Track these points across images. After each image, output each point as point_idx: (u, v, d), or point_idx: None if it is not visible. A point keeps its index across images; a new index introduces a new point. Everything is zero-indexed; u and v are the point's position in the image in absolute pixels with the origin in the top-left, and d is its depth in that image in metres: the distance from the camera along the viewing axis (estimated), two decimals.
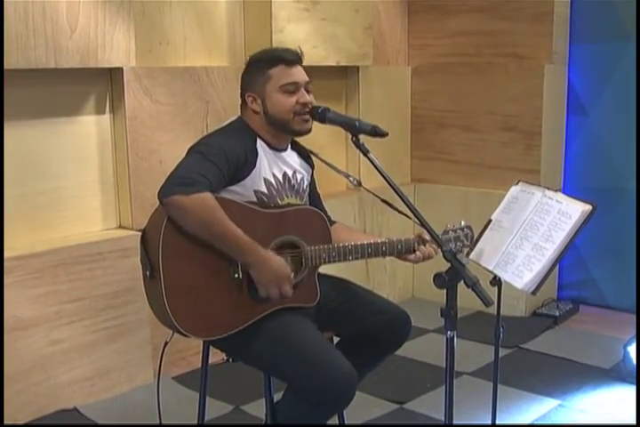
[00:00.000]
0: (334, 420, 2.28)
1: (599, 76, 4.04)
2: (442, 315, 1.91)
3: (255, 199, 2.15)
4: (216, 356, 2.32)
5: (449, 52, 4.28)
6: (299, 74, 2.20)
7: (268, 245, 2.08)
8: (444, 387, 1.98)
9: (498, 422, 2.43)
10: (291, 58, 2.19)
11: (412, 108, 4.46)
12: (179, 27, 3.38)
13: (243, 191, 2.13)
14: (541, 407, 3.01)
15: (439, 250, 1.95)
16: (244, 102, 2.24)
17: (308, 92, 2.21)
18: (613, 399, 3.08)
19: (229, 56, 3.59)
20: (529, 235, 2.16)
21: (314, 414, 2.07)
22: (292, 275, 2.09)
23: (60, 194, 3.08)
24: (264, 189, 2.18)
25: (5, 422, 2.74)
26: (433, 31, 4.34)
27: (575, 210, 2.09)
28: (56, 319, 2.93)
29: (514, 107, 4.03)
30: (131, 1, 3.07)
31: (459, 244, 2.31)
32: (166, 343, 2.14)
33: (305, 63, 2.26)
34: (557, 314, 4.00)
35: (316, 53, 3.71)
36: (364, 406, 2.95)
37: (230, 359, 2.21)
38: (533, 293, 2.10)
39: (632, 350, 3.22)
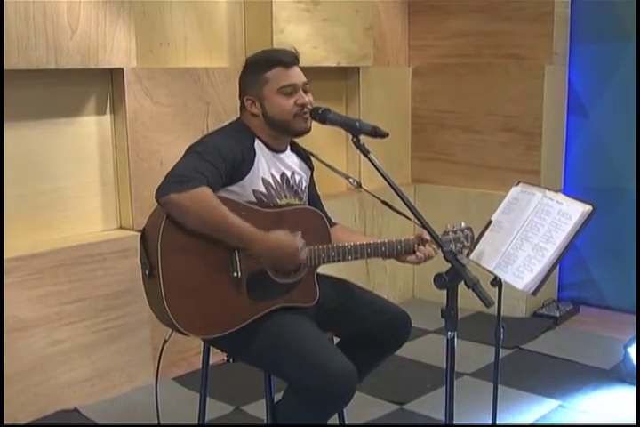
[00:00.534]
0: (334, 420, 2.28)
1: (599, 77, 4.04)
2: (442, 315, 1.91)
3: (254, 199, 2.16)
4: (216, 356, 2.32)
5: (449, 53, 4.28)
6: (296, 75, 2.20)
7: None
8: (444, 387, 1.98)
9: (498, 422, 2.44)
10: (287, 60, 2.19)
11: (413, 108, 4.46)
12: (179, 27, 3.39)
13: (241, 191, 2.14)
14: (542, 408, 3.01)
15: (439, 250, 1.95)
16: (242, 105, 2.25)
17: (305, 92, 2.21)
18: (613, 400, 3.08)
19: (230, 57, 3.59)
20: (529, 235, 2.16)
21: (314, 414, 2.07)
22: (300, 235, 2.08)
23: (60, 194, 3.09)
24: (263, 190, 2.18)
25: (5, 423, 2.74)
26: (433, 32, 4.34)
27: (575, 211, 2.09)
28: (56, 320, 2.94)
29: (514, 107, 4.03)
30: (131, 1, 3.07)
31: (458, 245, 2.31)
32: (165, 342, 2.14)
33: (305, 64, 2.26)
34: (558, 315, 4.00)
35: (317, 54, 3.71)
36: (364, 406, 2.96)
37: (231, 360, 2.21)
38: (534, 293, 2.10)
39: (632, 350, 3.22)
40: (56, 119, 3.04)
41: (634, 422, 2.84)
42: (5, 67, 2.70)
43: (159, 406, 2.29)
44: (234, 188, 2.12)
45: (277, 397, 2.18)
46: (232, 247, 2.04)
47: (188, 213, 1.96)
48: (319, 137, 3.60)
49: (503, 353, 3.45)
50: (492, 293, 1.96)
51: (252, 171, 2.15)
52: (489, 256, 2.24)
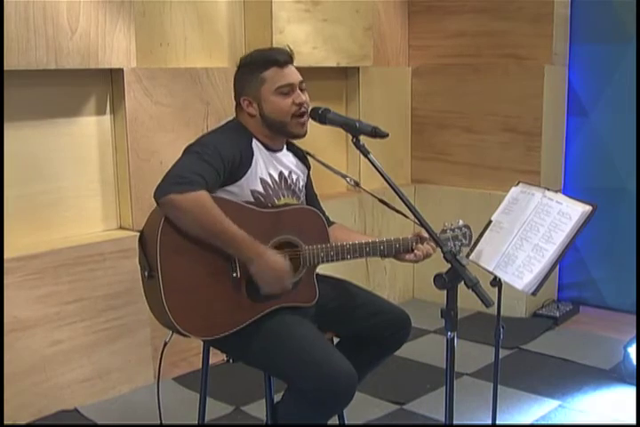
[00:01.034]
0: (334, 420, 2.28)
1: (599, 77, 4.04)
2: (442, 316, 1.91)
3: (252, 199, 2.16)
4: (216, 357, 2.32)
5: (449, 53, 4.28)
6: (292, 74, 2.20)
7: (266, 245, 2.08)
8: (444, 388, 1.98)
9: (498, 422, 2.44)
10: (283, 59, 2.19)
11: (413, 108, 4.46)
12: (179, 28, 3.39)
13: (239, 191, 2.14)
14: (542, 408, 3.01)
15: (438, 249, 1.95)
16: (238, 105, 2.25)
17: (302, 91, 2.21)
18: (613, 400, 3.08)
19: (230, 57, 3.59)
20: (529, 236, 2.16)
21: (314, 415, 2.07)
22: (291, 268, 2.08)
23: (60, 195, 3.09)
24: (260, 189, 2.18)
25: (5, 423, 2.74)
26: (433, 32, 4.34)
27: (575, 211, 2.10)
28: (56, 320, 2.94)
29: (514, 108, 4.03)
30: (131, 1, 3.07)
31: (457, 243, 2.31)
32: (165, 344, 2.15)
33: (305, 64, 2.26)
34: (557, 315, 4.00)
35: (317, 54, 3.71)
36: (364, 406, 2.96)
37: (231, 360, 2.21)
38: (533, 293, 2.10)
39: (632, 350, 3.22)
40: (56, 119, 3.04)
41: (634, 422, 2.84)
42: (5, 67, 2.70)
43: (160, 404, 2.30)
44: (232, 188, 2.12)
45: (277, 397, 2.18)
46: None
47: (185, 214, 1.96)
48: (319, 137, 3.61)
49: (503, 353, 3.46)
50: (492, 293, 1.96)
51: (250, 171, 2.15)
52: (489, 256, 2.24)
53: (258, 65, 2.19)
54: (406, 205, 1.98)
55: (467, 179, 4.26)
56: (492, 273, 2.21)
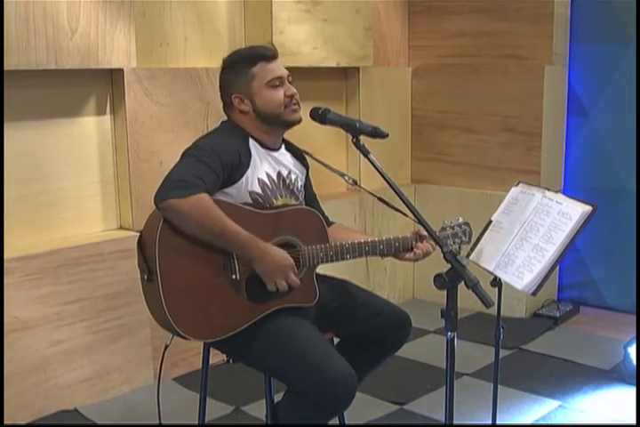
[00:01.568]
0: (334, 420, 2.28)
1: (599, 77, 4.04)
2: (442, 316, 1.91)
3: (250, 200, 2.16)
4: (217, 357, 2.32)
5: (449, 53, 4.28)
6: (280, 68, 2.22)
7: None
8: (444, 388, 1.98)
9: (498, 422, 2.44)
10: (269, 53, 2.21)
11: (413, 109, 4.46)
12: (179, 28, 3.39)
13: (237, 193, 2.13)
14: (542, 408, 3.01)
15: (438, 248, 1.95)
16: (229, 104, 2.24)
17: (290, 83, 2.23)
18: (613, 400, 3.08)
19: None
20: (529, 236, 2.16)
21: (314, 416, 2.06)
22: (295, 265, 2.09)
23: (60, 195, 3.09)
24: (258, 190, 2.18)
25: (5, 423, 2.74)
26: (433, 32, 4.35)
27: (575, 211, 2.10)
28: (56, 320, 2.94)
29: (514, 108, 4.03)
30: (131, 2, 3.07)
31: (457, 240, 2.31)
32: (166, 347, 2.15)
33: (305, 64, 2.27)
34: (557, 315, 4.00)
35: (317, 54, 3.71)
36: (364, 406, 2.96)
37: (231, 360, 2.21)
38: (533, 294, 2.10)
39: (632, 351, 3.22)
40: (56, 119, 3.04)
41: (634, 422, 2.84)
42: (5, 67, 2.70)
43: (159, 406, 2.30)
44: (229, 190, 2.12)
45: (277, 397, 2.18)
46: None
47: (187, 218, 1.96)
48: (319, 137, 3.61)
49: (503, 353, 3.45)
50: (492, 293, 1.96)
51: (248, 172, 2.15)
52: (489, 256, 2.24)
53: (245, 62, 2.20)
54: (406, 205, 1.98)
55: (467, 179, 4.26)
56: (492, 273, 2.21)
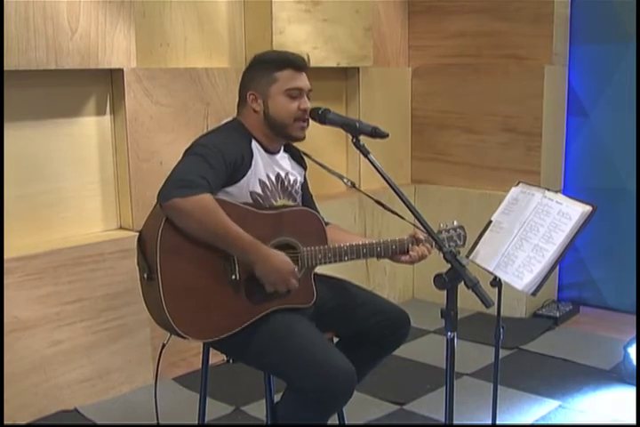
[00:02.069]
0: (334, 420, 2.29)
1: (599, 77, 4.04)
2: (442, 316, 1.91)
3: (250, 200, 2.16)
4: (216, 357, 2.32)
5: (449, 53, 4.28)
6: (304, 80, 2.21)
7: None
8: (444, 388, 1.98)
9: (498, 422, 2.44)
10: (300, 64, 2.20)
11: (413, 109, 4.46)
12: (179, 28, 3.39)
13: (238, 192, 2.13)
14: (542, 408, 3.01)
15: (434, 250, 1.95)
16: (243, 99, 2.24)
17: (308, 98, 2.22)
18: (613, 400, 3.08)
19: (230, 57, 3.59)
20: (529, 236, 2.16)
21: (314, 414, 2.07)
22: (296, 269, 2.09)
23: (60, 195, 3.09)
24: (259, 191, 2.18)
25: (5, 423, 2.74)
26: (433, 32, 4.35)
27: (575, 211, 2.10)
28: (56, 320, 2.94)
29: (514, 108, 4.03)
30: (131, 2, 3.07)
31: (452, 244, 2.31)
32: (163, 346, 2.15)
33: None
34: (557, 315, 4.00)
35: (317, 54, 3.71)
36: (364, 406, 2.96)
37: (230, 360, 2.21)
38: (533, 294, 2.10)
39: (632, 351, 3.22)
40: (56, 119, 3.04)
41: (634, 422, 2.84)
42: (5, 67, 2.70)
43: (159, 406, 2.30)
44: (231, 189, 2.12)
45: (277, 397, 2.18)
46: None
47: (189, 219, 1.96)
48: (319, 137, 3.61)
49: (503, 353, 3.45)
50: (492, 293, 1.96)
51: (250, 172, 2.15)
52: (489, 257, 2.24)
53: (274, 63, 2.19)
54: (406, 205, 1.98)
55: (466, 179, 4.26)
56: (492, 273, 2.21)
